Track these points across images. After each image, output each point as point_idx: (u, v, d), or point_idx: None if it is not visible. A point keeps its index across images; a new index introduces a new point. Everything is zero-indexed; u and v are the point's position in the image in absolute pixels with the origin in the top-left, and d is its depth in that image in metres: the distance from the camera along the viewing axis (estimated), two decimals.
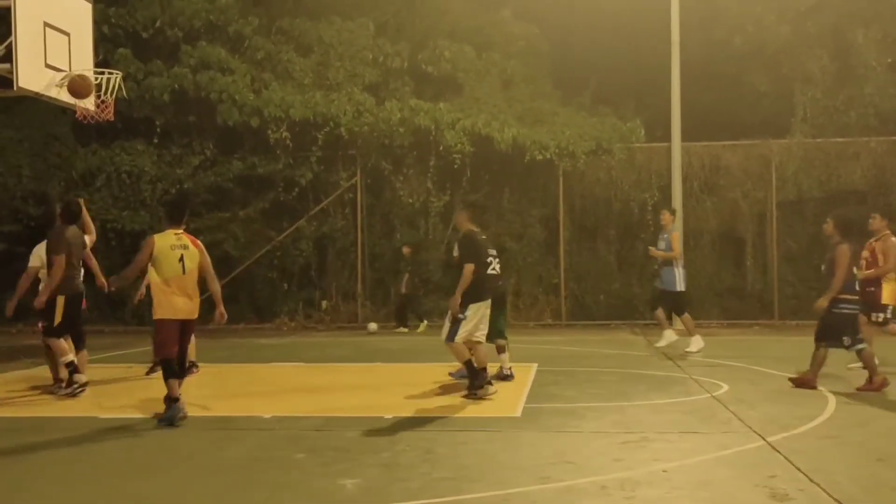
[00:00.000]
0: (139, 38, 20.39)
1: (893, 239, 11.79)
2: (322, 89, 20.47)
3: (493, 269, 10.44)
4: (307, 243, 20.62)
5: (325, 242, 20.82)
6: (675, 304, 14.73)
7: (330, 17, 21.36)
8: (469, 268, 9.83)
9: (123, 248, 19.13)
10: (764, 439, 7.57)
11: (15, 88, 11.13)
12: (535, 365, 12.72)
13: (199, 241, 9.06)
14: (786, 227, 20.23)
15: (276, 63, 20.92)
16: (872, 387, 10.11)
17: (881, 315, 11.75)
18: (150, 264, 8.82)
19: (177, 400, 8.69)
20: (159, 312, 8.74)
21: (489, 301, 10.14)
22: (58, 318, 10.36)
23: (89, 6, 12.98)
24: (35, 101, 19.47)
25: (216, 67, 19.99)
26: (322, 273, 21.00)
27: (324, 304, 20.73)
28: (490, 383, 10.02)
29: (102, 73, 12.45)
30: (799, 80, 21.32)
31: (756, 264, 20.39)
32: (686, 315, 14.53)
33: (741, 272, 20.53)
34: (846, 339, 10.19)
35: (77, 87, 11.08)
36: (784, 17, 21.59)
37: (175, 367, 8.83)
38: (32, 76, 11.39)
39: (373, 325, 18.99)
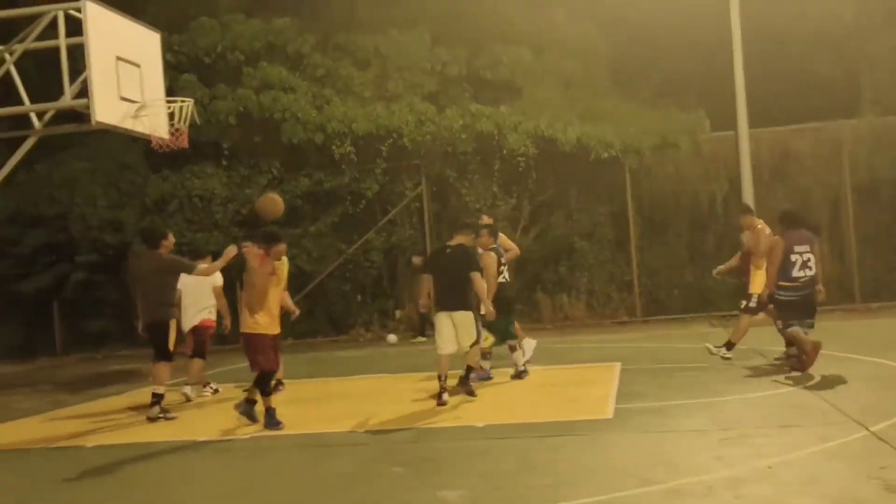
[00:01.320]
0: (202, 64, 20.71)
1: (767, 230, 11.92)
2: (382, 101, 20.59)
3: (504, 277, 11.60)
4: (377, 254, 20.76)
5: (394, 252, 20.92)
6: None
7: (386, 30, 21.50)
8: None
9: None
10: (867, 429, 7.44)
11: (93, 123, 11.38)
12: (618, 364, 12.62)
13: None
14: (861, 210, 19.84)
15: (336, 79, 21.08)
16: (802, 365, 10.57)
17: (744, 302, 12.19)
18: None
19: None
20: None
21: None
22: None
23: (158, 37, 13.25)
24: (106, 132, 20.03)
25: (278, 87, 20.22)
26: (394, 283, 21.13)
27: (397, 313, 20.84)
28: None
29: (175, 101, 12.68)
30: (865, 63, 20.93)
31: (833, 249, 20.00)
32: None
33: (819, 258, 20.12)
34: (778, 323, 11.18)
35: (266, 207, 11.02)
36: (847, 1, 21.18)
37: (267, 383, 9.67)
38: (108, 110, 11.63)
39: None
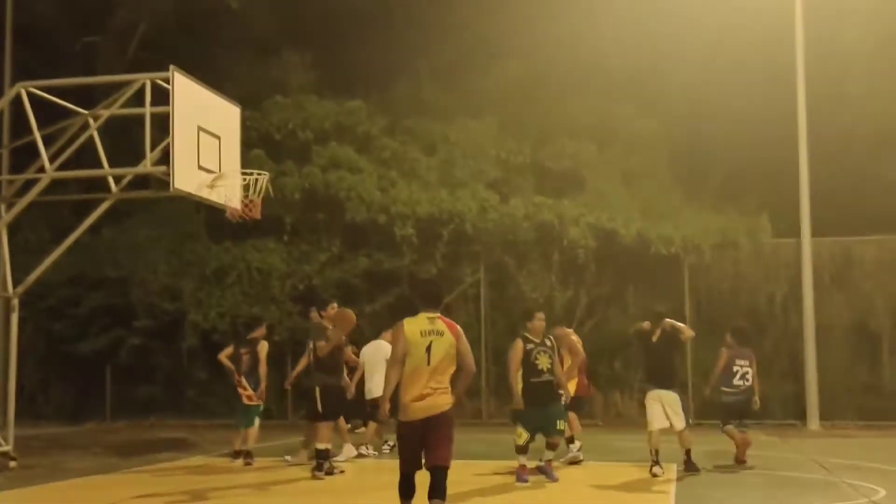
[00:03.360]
0: (272, 140, 21.18)
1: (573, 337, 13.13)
2: (447, 186, 20.82)
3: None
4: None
5: None
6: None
7: (453, 117, 21.85)
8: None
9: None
10: None
11: (171, 189, 11.62)
12: (674, 465, 12.37)
13: (456, 326, 7.66)
14: None
15: (403, 161, 21.40)
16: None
17: None
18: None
19: None
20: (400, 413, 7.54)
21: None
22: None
23: (238, 110, 13.58)
24: (171, 201, 20.43)
25: (345, 167, 20.59)
26: None
27: None
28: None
29: (251, 173, 12.93)
30: None
31: (893, 361, 19.65)
32: None
33: (877, 369, 19.80)
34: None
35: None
36: None
37: (406, 485, 7.50)
38: (186, 177, 11.89)
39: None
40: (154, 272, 21.19)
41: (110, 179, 13.01)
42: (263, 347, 13.05)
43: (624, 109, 22.72)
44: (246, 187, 12.94)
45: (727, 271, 20.39)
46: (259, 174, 12.87)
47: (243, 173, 13.03)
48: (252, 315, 20.16)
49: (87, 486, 11.38)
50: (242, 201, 12.86)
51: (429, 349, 7.39)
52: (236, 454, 13.05)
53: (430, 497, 7.20)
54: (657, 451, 11.46)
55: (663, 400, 11.70)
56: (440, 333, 7.45)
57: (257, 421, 13.10)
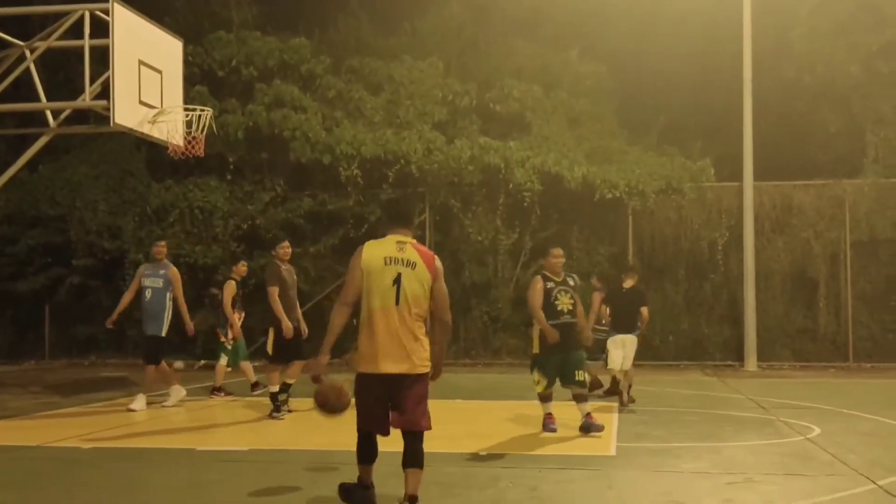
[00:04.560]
0: (215, 76, 20.80)
1: None
2: (392, 127, 20.65)
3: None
4: None
5: None
6: None
7: (399, 57, 21.62)
8: None
9: (196, 283, 19.29)
10: (874, 482, 7.42)
11: (112, 125, 11.39)
12: (615, 404, 12.59)
13: (434, 258, 6.23)
14: (860, 268, 19.94)
15: (348, 101, 21.16)
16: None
17: None
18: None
19: (365, 487, 6.56)
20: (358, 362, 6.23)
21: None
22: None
23: (180, 44, 13.32)
24: (111, 138, 20.06)
25: (289, 105, 20.28)
26: None
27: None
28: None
29: (194, 110, 12.70)
30: (870, 119, 21.14)
31: (829, 305, 20.08)
32: None
33: (813, 313, 20.22)
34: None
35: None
36: (854, 56, 21.39)
37: (365, 447, 6.41)
38: (127, 112, 11.65)
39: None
40: (93, 210, 20.81)
41: (48, 114, 12.72)
42: (228, 287, 13.35)
43: (569, 54, 22.71)
44: (188, 124, 12.73)
45: (670, 216, 20.57)
46: (202, 110, 12.67)
47: (186, 109, 12.82)
48: (195, 254, 20.04)
49: (25, 425, 11.24)
50: (185, 138, 12.64)
51: (397, 283, 5.96)
52: (216, 390, 13.53)
53: (404, 465, 6.20)
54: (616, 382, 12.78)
55: (626, 343, 12.44)
56: (411, 265, 6.02)
57: (224, 358, 13.58)
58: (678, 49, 22.19)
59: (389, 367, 5.98)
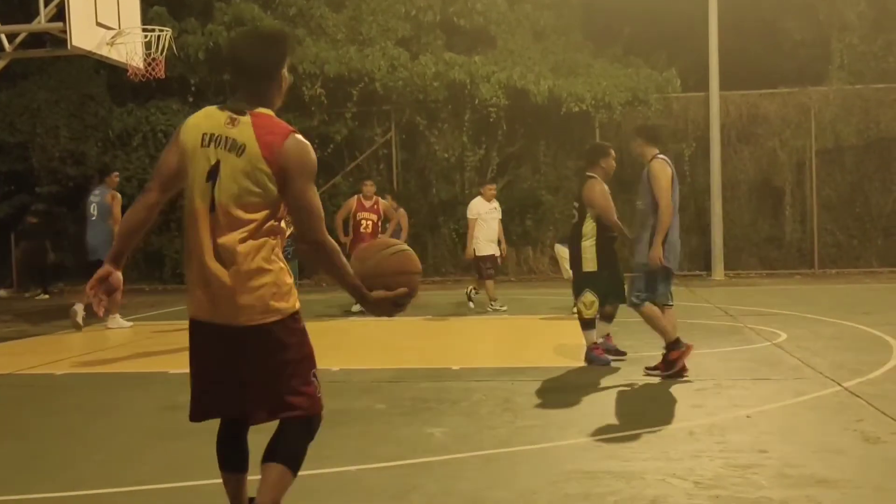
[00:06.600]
0: None
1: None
2: (355, 44, 20.37)
3: None
4: (344, 199, 20.55)
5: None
6: None
7: None
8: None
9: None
10: (839, 384, 7.59)
11: (69, 47, 11.17)
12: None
13: (288, 134, 3.79)
14: (825, 176, 20.13)
15: (309, 18, 20.82)
16: None
17: None
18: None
19: None
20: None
21: None
22: None
23: None
24: (69, 62, 19.65)
25: (250, 24, 19.85)
26: None
27: None
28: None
29: (153, 30, 12.45)
30: (836, 27, 21.12)
31: (794, 213, 20.31)
32: None
33: (779, 222, 20.45)
34: None
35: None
36: None
37: (221, 443, 4.10)
38: (84, 35, 11.41)
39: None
40: (55, 136, 20.48)
41: (2, 38, 12.39)
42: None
43: None
44: (148, 45, 12.49)
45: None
46: (161, 31, 12.44)
47: (144, 30, 12.56)
48: None
49: None
50: (145, 60, 12.40)
51: (213, 176, 3.67)
52: None
53: (264, 457, 3.87)
54: None
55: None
56: (238, 148, 3.65)
57: None
58: None
59: (216, 313, 3.75)
